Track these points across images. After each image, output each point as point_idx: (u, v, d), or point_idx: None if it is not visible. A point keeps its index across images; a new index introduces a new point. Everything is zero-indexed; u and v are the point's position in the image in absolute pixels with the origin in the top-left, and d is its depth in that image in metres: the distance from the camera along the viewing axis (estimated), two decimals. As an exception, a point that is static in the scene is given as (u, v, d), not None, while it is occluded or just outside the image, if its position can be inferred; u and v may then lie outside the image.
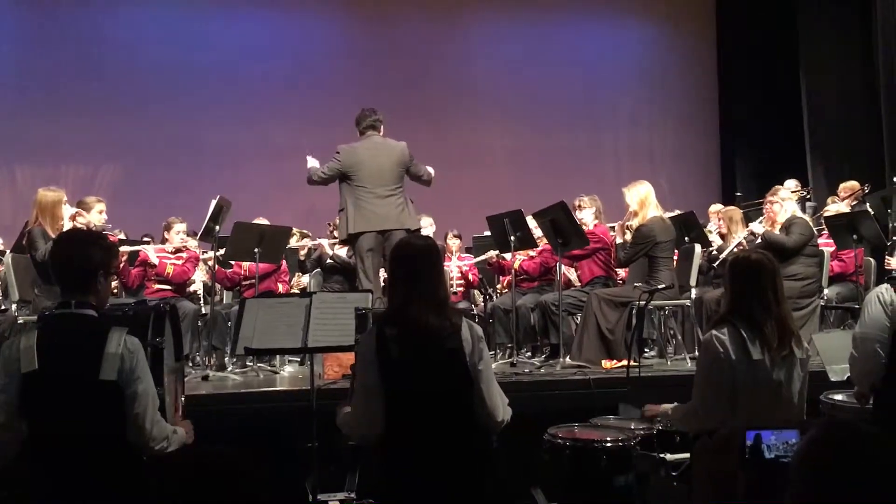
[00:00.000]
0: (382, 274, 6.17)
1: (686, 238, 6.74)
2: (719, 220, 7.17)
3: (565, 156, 11.34)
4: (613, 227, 6.61)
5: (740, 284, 3.08)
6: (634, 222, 6.07)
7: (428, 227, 7.69)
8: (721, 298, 3.53)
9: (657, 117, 11.65)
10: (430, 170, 6.06)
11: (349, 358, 4.69)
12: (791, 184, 8.40)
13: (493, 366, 6.00)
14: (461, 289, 7.82)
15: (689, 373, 4.46)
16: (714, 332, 3.06)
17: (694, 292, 6.12)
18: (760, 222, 6.44)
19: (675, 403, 3.28)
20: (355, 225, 5.76)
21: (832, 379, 4.06)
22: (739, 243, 6.46)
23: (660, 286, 5.42)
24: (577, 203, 6.60)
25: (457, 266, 7.78)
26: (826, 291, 6.49)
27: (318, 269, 7.52)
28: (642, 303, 5.17)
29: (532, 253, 7.10)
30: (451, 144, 10.93)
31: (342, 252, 7.33)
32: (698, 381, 3.10)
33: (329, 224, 7.78)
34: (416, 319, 2.74)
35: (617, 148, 11.58)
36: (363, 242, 5.79)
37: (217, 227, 6.16)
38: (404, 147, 5.95)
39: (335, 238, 7.15)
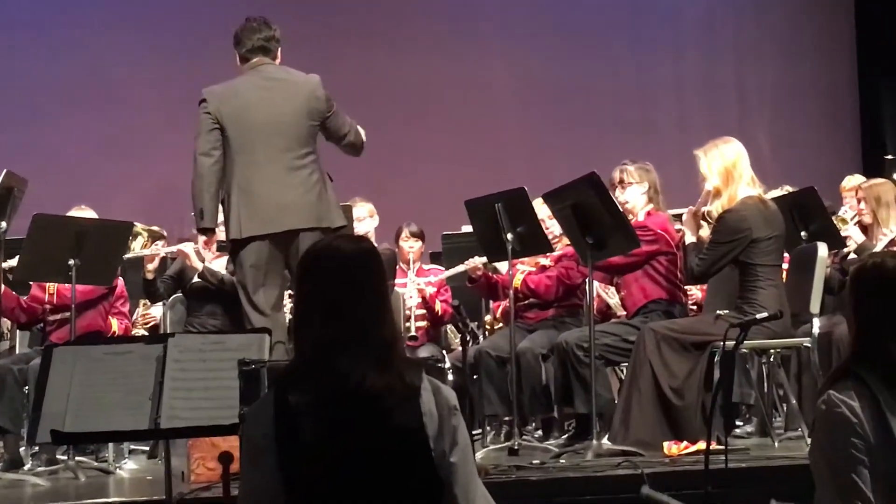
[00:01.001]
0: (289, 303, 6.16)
1: (803, 233, 6.78)
2: (859, 201, 7.25)
3: (601, 98, 11.38)
4: (680, 218, 6.66)
5: (871, 311, 3.12)
6: (716, 207, 6.12)
7: (365, 219, 7.69)
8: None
9: (749, 38, 11.74)
10: (360, 129, 6.08)
11: (232, 446, 4.66)
12: None
13: (479, 455, 6.11)
14: (423, 325, 7.83)
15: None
16: (833, 392, 3.09)
17: (817, 324, 6.19)
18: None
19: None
20: (242, 225, 5.75)
21: None
22: (893, 241, 6.53)
23: (760, 315, 5.45)
24: (617, 176, 6.65)
25: (416, 286, 7.80)
26: None
27: (180, 294, 7.52)
28: (731, 343, 5.19)
29: (544, 262, 7.12)
30: (409, 82, 10.95)
31: (219, 264, 7.31)
32: (823, 474, 3.12)
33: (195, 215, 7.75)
34: (344, 378, 2.76)
35: (682, 85, 11.65)
36: (248, 253, 5.78)
37: (2, 225, 6.11)
38: (317, 84, 5.94)
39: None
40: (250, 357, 3.57)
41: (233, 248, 5.88)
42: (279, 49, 6.02)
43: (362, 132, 6.11)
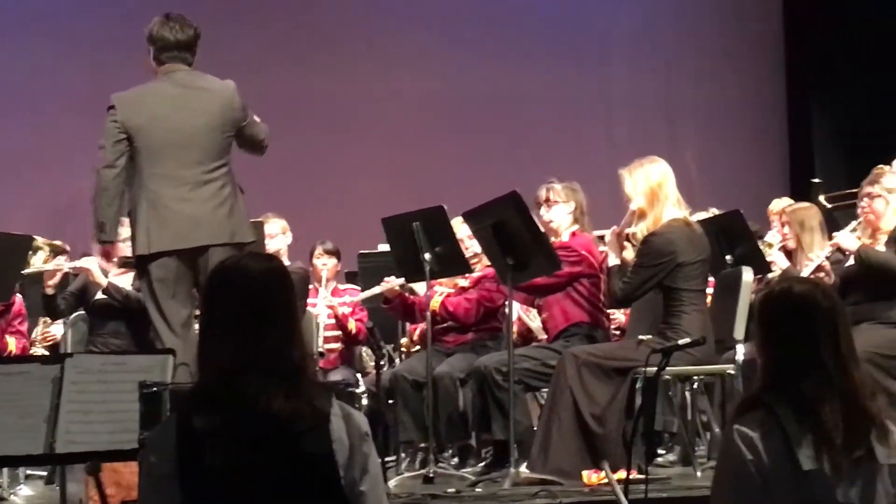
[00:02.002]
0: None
1: (728, 257, 6.86)
2: (783, 225, 7.35)
3: (525, 113, 11.44)
4: (604, 238, 6.70)
5: (776, 339, 3.15)
6: (640, 229, 6.18)
7: (277, 236, 7.65)
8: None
9: (679, 56, 11.88)
10: (266, 127, 5.98)
11: (133, 471, 4.62)
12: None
13: (393, 483, 6.11)
14: (337, 346, 7.81)
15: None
16: (736, 426, 3.11)
17: (742, 350, 6.24)
18: (854, 230, 6.63)
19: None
20: (150, 239, 5.67)
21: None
22: (819, 266, 6.62)
23: (683, 341, 5.50)
24: (543, 194, 6.68)
25: (328, 306, 7.77)
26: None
27: (82, 311, 7.46)
28: (653, 369, 5.23)
29: (463, 283, 7.13)
30: (324, 96, 10.95)
31: (125, 281, 7.24)
32: None
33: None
34: (251, 403, 2.75)
35: (609, 100, 11.75)
36: (156, 268, 5.71)
37: None
38: (233, 92, 5.80)
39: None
40: (152, 379, 3.54)
41: (139, 263, 5.79)
42: (196, 51, 5.83)
43: (266, 130, 5.97)
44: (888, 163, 7.75)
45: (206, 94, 5.78)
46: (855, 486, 3.06)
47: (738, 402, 3.27)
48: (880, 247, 6.37)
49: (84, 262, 7.30)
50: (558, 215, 6.64)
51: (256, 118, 5.91)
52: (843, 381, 3.08)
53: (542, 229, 6.37)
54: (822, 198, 8.24)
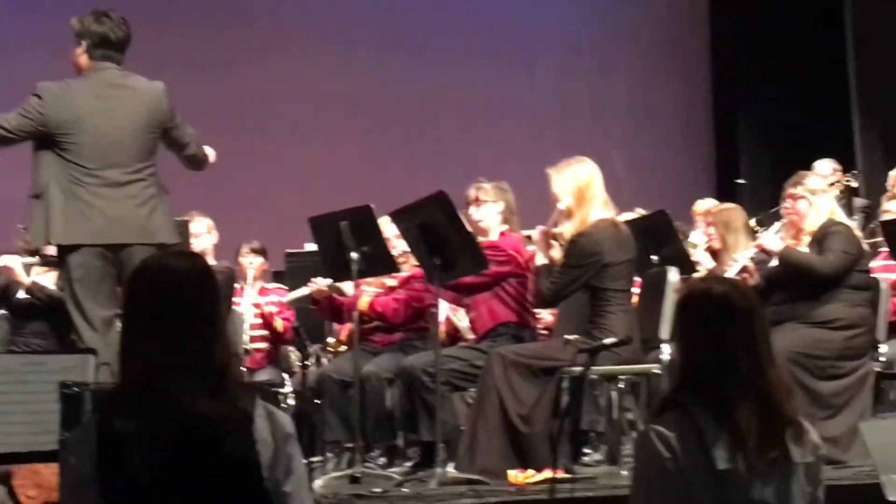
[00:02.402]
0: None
1: (654, 257, 6.91)
2: (708, 225, 7.41)
3: (452, 112, 11.46)
4: (531, 238, 6.73)
5: (693, 339, 3.18)
6: (567, 229, 6.20)
7: (203, 235, 7.60)
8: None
9: (606, 57, 11.96)
10: (207, 149, 5.98)
11: (55, 472, 4.58)
12: (826, 167, 8.77)
13: (319, 483, 6.09)
14: (263, 346, 7.77)
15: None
16: (653, 425, 3.13)
17: (667, 350, 6.28)
18: (777, 232, 6.71)
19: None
20: (68, 229, 5.60)
21: (891, 498, 4.22)
22: (744, 267, 6.69)
23: (608, 340, 5.53)
24: (473, 193, 6.68)
25: (254, 305, 7.73)
26: (884, 348, 6.80)
27: (4, 311, 7.45)
28: (579, 369, 5.26)
29: (390, 282, 7.13)
30: (252, 94, 10.93)
31: (49, 280, 7.18)
32: None
33: (23, 227, 7.60)
34: (174, 404, 2.73)
35: (538, 101, 11.79)
36: (76, 263, 5.65)
37: None
38: (161, 93, 5.79)
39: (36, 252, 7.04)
40: (73, 379, 3.51)
41: (59, 254, 5.73)
42: (126, 51, 5.78)
43: (211, 152, 6.02)
44: (809, 166, 7.90)
45: (132, 95, 5.74)
46: (770, 486, 3.10)
47: (657, 401, 3.28)
48: (803, 248, 6.44)
49: (6, 260, 7.23)
50: (487, 215, 6.64)
51: (190, 129, 5.89)
52: (758, 383, 3.11)
53: (471, 229, 6.37)
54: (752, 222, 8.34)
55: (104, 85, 5.71)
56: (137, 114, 5.71)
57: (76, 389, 3.31)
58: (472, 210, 6.60)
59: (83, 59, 5.74)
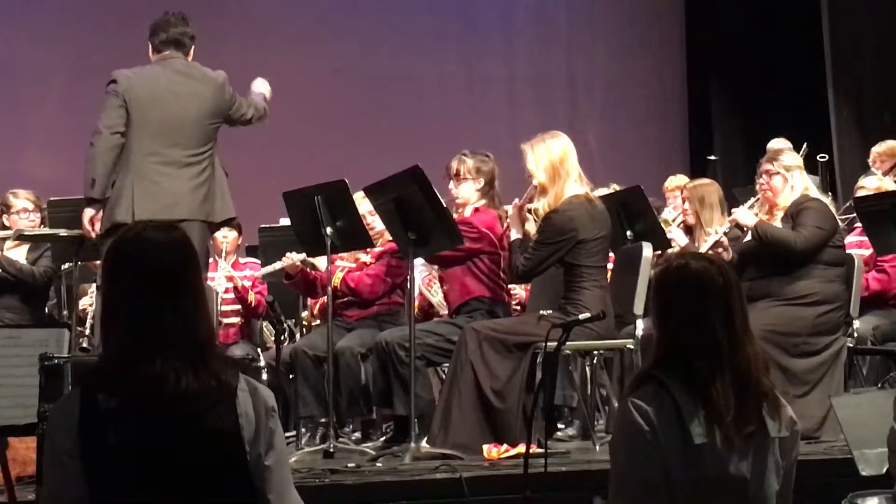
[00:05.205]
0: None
1: (629, 233, 6.95)
2: (683, 201, 7.45)
3: (426, 87, 11.47)
4: (506, 213, 6.75)
5: (670, 315, 3.21)
6: (542, 205, 6.23)
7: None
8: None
9: (581, 33, 11.99)
10: (265, 91, 6.56)
11: (29, 447, 4.58)
12: (780, 146, 8.83)
13: (294, 458, 6.09)
14: (237, 320, 7.78)
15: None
16: (632, 398, 3.16)
17: (641, 325, 6.32)
18: (751, 207, 6.76)
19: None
20: (139, 208, 5.89)
21: (863, 473, 4.26)
22: (717, 242, 6.73)
23: (582, 315, 5.57)
24: (455, 166, 6.68)
25: (227, 278, 7.74)
26: (857, 324, 6.88)
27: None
28: (553, 344, 5.29)
29: (364, 258, 7.15)
30: (227, 67, 10.86)
31: (19, 253, 7.16)
32: (615, 477, 3.23)
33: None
34: (157, 379, 2.74)
35: (513, 77, 11.81)
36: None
37: None
38: (224, 82, 6.30)
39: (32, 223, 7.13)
40: (51, 352, 3.51)
41: (107, 233, 5.94)
42: (192, 47, 6.34)
43: (265, 88, 6.64)
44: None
45: (198, 84, 6.25)
46: (746, 460, 3.14)
47: (634, 376, 3.31)
48: (777, 223, 6.49)
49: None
50: (465, 192, 6.65)
51: (244, 100, 6.45)
52: (735, 358, 3.14)
53: (448, 202, 6.40)
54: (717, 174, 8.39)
55: (172, 72, 6.22)
56: (203, 103, 6.22)
57: (57, 361, 3.31)
58: (452, 185, 6.63)
59: (152, 51, 6.31)
